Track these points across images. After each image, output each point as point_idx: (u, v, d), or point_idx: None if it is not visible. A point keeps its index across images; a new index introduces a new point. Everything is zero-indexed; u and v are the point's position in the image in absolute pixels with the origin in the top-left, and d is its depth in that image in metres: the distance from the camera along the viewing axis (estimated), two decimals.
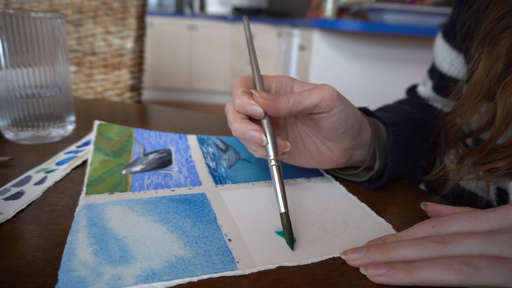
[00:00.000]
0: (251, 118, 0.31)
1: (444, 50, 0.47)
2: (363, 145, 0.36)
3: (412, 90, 0.56)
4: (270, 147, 0.30)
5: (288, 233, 0.26)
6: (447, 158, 0.39)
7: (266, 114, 0.30)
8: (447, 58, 0.46)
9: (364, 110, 0.39)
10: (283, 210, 0.27)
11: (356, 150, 0.36)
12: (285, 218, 0.27)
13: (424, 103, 0.51)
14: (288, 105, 0.30)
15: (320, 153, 0.35)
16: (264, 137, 0.29)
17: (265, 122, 0.31)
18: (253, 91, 0.31)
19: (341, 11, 2.24)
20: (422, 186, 0.50)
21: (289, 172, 0.39)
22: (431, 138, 0.41)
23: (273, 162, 0.30)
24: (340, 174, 0.38)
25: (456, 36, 0.42)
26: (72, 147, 0.43)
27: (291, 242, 0.26)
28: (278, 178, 0.29)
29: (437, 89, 0.50)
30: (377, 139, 0.36)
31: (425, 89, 0.52)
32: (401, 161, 0.38)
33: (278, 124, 0.35)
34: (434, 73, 0.50)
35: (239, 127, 0.30)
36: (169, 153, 0.42)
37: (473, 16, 0.38)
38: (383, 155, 0.36)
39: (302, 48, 2.10)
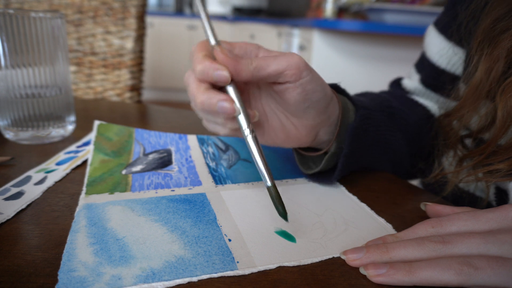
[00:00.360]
0: (215, 86, 0.29)
1: (440, 43, 0.46)
2: (329, 123, 0.34)
3: (396, 83, 0.54)
4: (242, 117, 0.28)
5: (280, 205, 0.26)
6: (445, 160, 0.39)
7: (232, 80, 0.28)
8: (444, 52, 0.45)
9: (336, 87, 0.37)
10: (269, 183, 0.27)
11: (323, 128, 0.34)
12: (274, 191, 0.27)
13: (405, 97, 0.49)
14: (250, 68, 0.27)
15: (285, 130, 0.33)
16: (236, 107, 0.27)
17: (231, 89, 0.28)
18: (214, 45, 0.27)
19: (341, 11, 2.24)
20: (421, 186, 0.50)
21: (290, 172, 0.39)
22: (429, 140, 0.41)
23: (248, 133, 0.27)
24: (302, 166, 0.37)
25: (456, 31, 0.41)
26: (72, 147, 0.43)
27: (285, 214, 0.26)
28: (258, 151, 0.27)
29: (425, 82, 0.49)
30: (342, 119, 0.34)
31: (411, 82, 0.51)
32: (366, 147, 0.36)
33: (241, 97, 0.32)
34: (425, 66, 0.49)
35: (206, 98, 0.27)
36: (169, 153, 0.42)
37: (472, 13, 0.38)
38: (344, 136, 0.35)
39: (302, 48, 2.10)
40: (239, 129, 0.29)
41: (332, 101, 0.33)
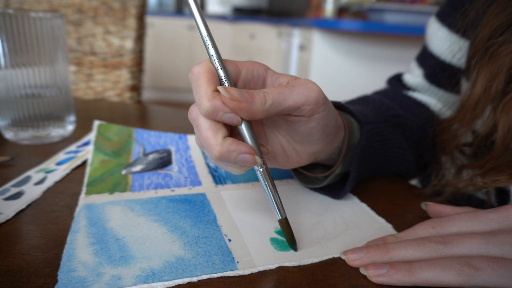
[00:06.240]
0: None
1: (444, 35, 0.44)
2: (333, 148, 0.32)
3: (396, 79, 0.51)
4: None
5: (290, 239, 0.26)
6: (443, 171, 0.39)
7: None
8: (448, 45, 0.44)
9: (337, 105, 0.35)
10: (281, 217, 0.26)
11: (324, 152, 0.31)
12: (285, 224, 0.26)
13: (407, 98, 0.47)
14: (265, 107, 0.24)
15: (285, 155, 0.30)
16: (259, 159, 0.24)
17: (245, 128, 0.25)
18: (220, 88, 0.24)
19: (341, 11, 2.24)
20: (421, 186, 0.50)
21: (290, 172, 0.39)
22: (427, 154, 0.41)
23: (260, 168, 0.25)
24: (302, 181, 0.35)
25: (461, 22, 0.40)
26: (72, 147, 0.43)
27: (294, 246, 0.26)
28: (271, 184, 0.26)
29: (430, 77, 0.46)
30: (348, 140, 0.33)
31: (413, 78, 0.48)
32: (373, 165, 0.36)
33: None
34: (428, 59, 0.46)
35: (225, 151, 0.24)
36: (169, 153, 0.42)
37: (477, 5, 0.37)
38: (349, 159, 0.33)
39: (302, 48, 2.10)
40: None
41: (339, 129, 0.31)
